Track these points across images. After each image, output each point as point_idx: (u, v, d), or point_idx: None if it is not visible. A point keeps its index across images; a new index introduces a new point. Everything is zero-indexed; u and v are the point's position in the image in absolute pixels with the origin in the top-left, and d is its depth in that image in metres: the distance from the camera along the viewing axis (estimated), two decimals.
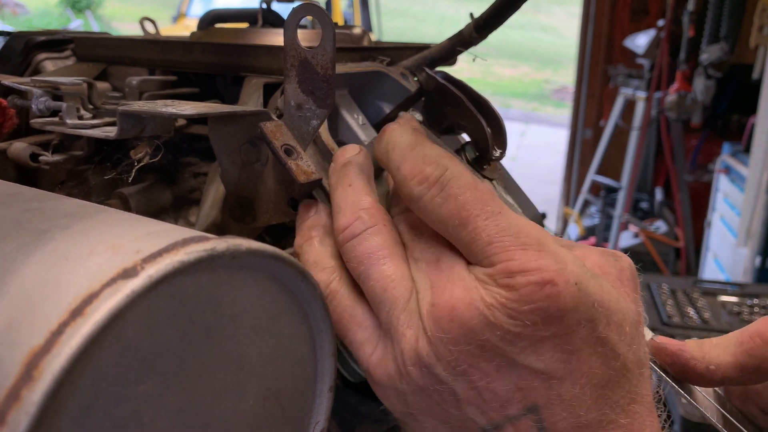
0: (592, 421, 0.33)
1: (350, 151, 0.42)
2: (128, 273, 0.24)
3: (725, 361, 0.41)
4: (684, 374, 0.41)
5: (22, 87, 0.49)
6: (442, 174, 0.35)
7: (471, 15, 0.57)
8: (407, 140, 0.37)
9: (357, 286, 0.38)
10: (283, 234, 0.52)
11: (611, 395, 0.34)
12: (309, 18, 0.42)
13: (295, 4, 0.42)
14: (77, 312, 0.22)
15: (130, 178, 0.49)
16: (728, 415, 0.41)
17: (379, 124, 0.56)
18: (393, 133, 0.38)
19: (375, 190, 0.40)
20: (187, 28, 8.06)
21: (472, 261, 0.34)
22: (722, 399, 0.43)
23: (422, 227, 0.37)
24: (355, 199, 0.38)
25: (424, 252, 0.36)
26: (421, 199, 0.35)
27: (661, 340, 0.42)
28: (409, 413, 0.36)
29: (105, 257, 0.25)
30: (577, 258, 0.34)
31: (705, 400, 0.42)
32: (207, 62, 0.57)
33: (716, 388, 0.43)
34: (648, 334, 0.42)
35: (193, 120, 0.55)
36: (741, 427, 0.41)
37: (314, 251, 0.40)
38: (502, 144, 0.48)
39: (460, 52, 0.58)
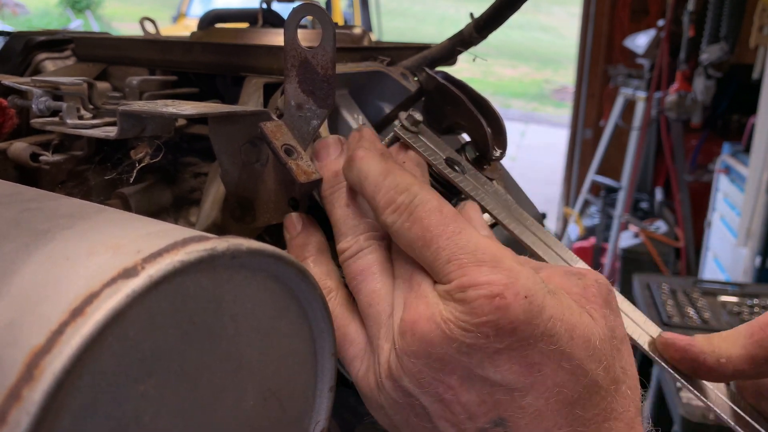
0: None
1: (333, 150, 0.44)
2: (129, 273, 0.24)
3: (736, 353, 0.40)
4: (694, 369, 0.41)
5: (23, 87, 0.49)
6: (411, 201, 0.37)
7: (471, 15, 0.57)
8: (378, 169, 0.39)
9: (351, 303, 0.41)
10: (283, 234, 0.52)
11: (582, 413, 0.34)
12: (309, 18, 0.42)
13: (296, 4, 0.42)
14: (78, 312, 0.22)
15: (131, 179, 0.49)
16: (741, 412, 0.41)
17: (379, 123, 0.56)
18: (362, 163, 0.40)
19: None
20: (187, 28, 8.06)
21: (435, 279, 0.36)
22: (735, 396, 0.42)
23: (397, 248, 0.39)
24: (354, 223, 0.41)
25: (400, 270, 0.38)
26: (393, 225, 0.37)
27: (669, 335, 0.41)
28: (391, 425, 0.38)
29: (105, 257, 0.25)
30: (534, 274, 0.35)
31: (717, 397, 0.42)
32: (207, 62, 0.57)
33: (729, 385, 0.43)
34: (654, 330, 0.42)
35: (194, 120, 0.55)
36: (755, 424, 0.40)
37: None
38: (502, 144, 0.48)
39: (461, 52, 0.58)
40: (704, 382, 0.42)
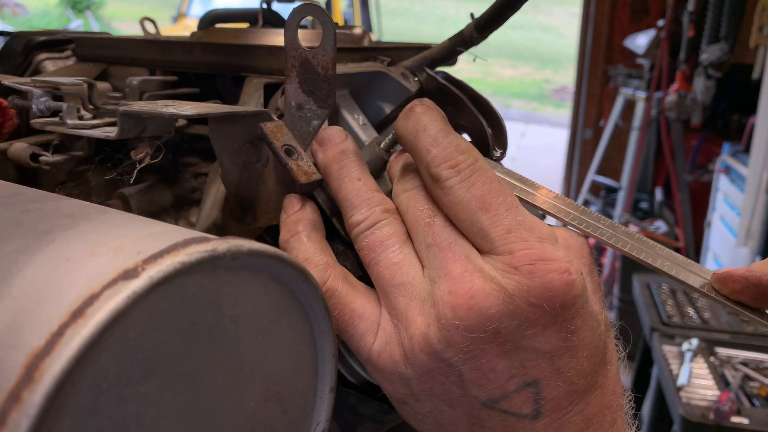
0: (582, 386, 0.36)
1: (338, 136, 0.43)
2: (129, 274, 0.24)
3: None
4: (759, 297, 0.37)
5: (23, 87, 0.49)
6: (473, 163, 0.37)
7: (471, 15, 0.57)
8: (439, 125, 0.39)
9: (350, 277, 0.40)
10: None
11: (595, 359, 0.36)
12: (309, 18, 0.42)
13: (296, 5, 0.42)
14: (78, 313, 0.22)
15: (131, 179, 0.49)
16: None
17: (379, 124, 0.56)
18: (423, 115, 0.39)
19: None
20: (187, 28, 8.06)
21: (484, 248, 0.35)
22: None
23: (435, 209, 0.38)
24: (368, 196, 0.40)
25: (437, 235, 0.37)
26: (447, 180, 0.36)
27: (722, 271, 0.39)
28: (410, 394, 0.38)
29: (106, 258, 0.25)
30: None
31: None
32: (207, 62, 0.57)
33: None
34: (707, 271, 0.40)
35: (194, 120, 0.55)
36: None
37: (303, 248, 0.40)
38: (502, 144, 0.48)
39: (461, 52, 0.58)
40: None
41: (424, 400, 0.37)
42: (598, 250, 3.67)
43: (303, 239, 0.41)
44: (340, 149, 0.42)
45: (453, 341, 0.34)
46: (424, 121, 0.39)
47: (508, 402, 0.35)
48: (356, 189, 0.40)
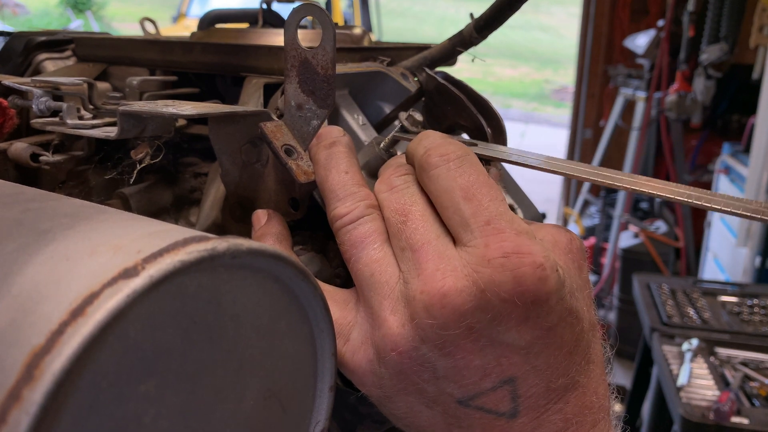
0: (560, 384, 0.35)
1: (336, 132, 0.44)
2: (129, 273, 0.24)
3: None
4: None
5: (23, 87, 0.49)
6: (462, 156, 0.37)
7: (471, 15, 0.57)
8: (441, 134, 0.40)
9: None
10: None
11: (575, 359, 0.36)
12: (309, 18, 0.42)
13: (296, 5, 0.42)
14: (78, 312, 0.22)
15: (131, 179, 0.49)
16: None
17: (379, 124, 0.56)
18: (430, 131, 0.41)
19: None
20: (187, 28, 8.06)
21: (463, 238, 0.35)
22: None
23: (408, 211, 0.38)
24: (353, 189, 0.40)
25: (410, 238, 0.37)
26: (436, 168, 0.37)
27: None
28: (384, 396, 0.38)
29: (106, 257, 0.25)
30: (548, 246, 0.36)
31: None
32: (207, 62, 0.57)
33: None
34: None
35: (194, 120, 0.55)
36: None
37: None
38: (501, 143, 0.48)
39: (460, 52, 0.58)
40: None
41: (398, 401, 0.37)
42: (598, 250, 3.67)
43: None
44: (332, 141, 0.43)
45: (426, 339, 0.34)
46: (427, 132, 0.41)
47: (485, 399, 0.35)
48: (342, 181, 0.40)
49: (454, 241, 0.36)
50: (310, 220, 0.48)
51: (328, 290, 0.40)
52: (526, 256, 0.33)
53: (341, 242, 0.39)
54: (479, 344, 0.34)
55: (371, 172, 0.46)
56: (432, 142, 0.39)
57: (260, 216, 0.44)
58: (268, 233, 0.43)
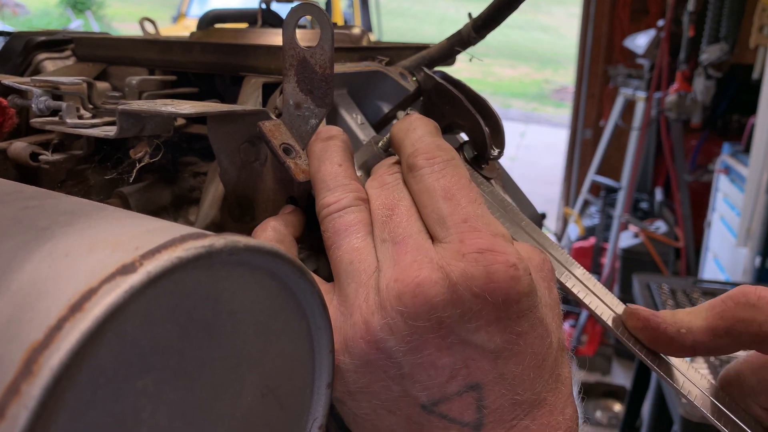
0: (527, 399, 0.35)
1: (334, 129, 0.44)
2: (127, 269, 0.24)
3: (696, 325, 0.40)
4: (654, 340, 0.41)
5: (22, 87, 0.49)
6: (449, 160, 0.39)
7: (470, 15, 0.57)
8: (430, 129, 0.41)
9: None
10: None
11: (542, 374, 0.35)
12: (308, 18, 0.42)
13: (294, 4, 0.42)
14: (76, 307, 0.22)
15: (131, 178, 0.49)
16: (720, 405, 0.41)
17: (378, 123, 0.57)
18: (417, 120, 0.42)
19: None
20: (186, 28, 8.06)
21: (440, 235, 0.36)
22: (718, 393, 0.42)
23: (395, 206, 0.39)
24: (344, 181, 0.41)
25: (393, 231, 0.37)
26: (421, 170, 0.38)
27: (634, 307, 0.42)
28: (347, 392, 0.37)
29: (104, 254, 0.25)
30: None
31: (694, 388, 0.41)
32: (206, 62, 0.57)
33: (712, 383, 0.43)
34: (620, 308, 0.43)
35: (193, 119, 0.56)
36: (733, 416, 0.40)
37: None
38: (500, 143, 0.48)
39: (459, 52, 0.58)
40: (687, 374, 0.41)
41: (361, 399, 0.37)
42: (598, 250, 3.67)
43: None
44: (328, 135, 0.43)
45: (395, 329, 0.34)
46: (416, 124, 0.42)
47: (449, 406, 0.34)
48: (334, 173, 0.41)
49: (432, 238, 0.36)
50: (308, 218, 0.48)
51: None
52: (499, 254, 0.34)
53: (325, 229, 0.40)
54: (447, 341, 0.34)
55: (369, 171, 0.46)
56: (420, 141, 0.40)
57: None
58: (269, 227, 0.43)
